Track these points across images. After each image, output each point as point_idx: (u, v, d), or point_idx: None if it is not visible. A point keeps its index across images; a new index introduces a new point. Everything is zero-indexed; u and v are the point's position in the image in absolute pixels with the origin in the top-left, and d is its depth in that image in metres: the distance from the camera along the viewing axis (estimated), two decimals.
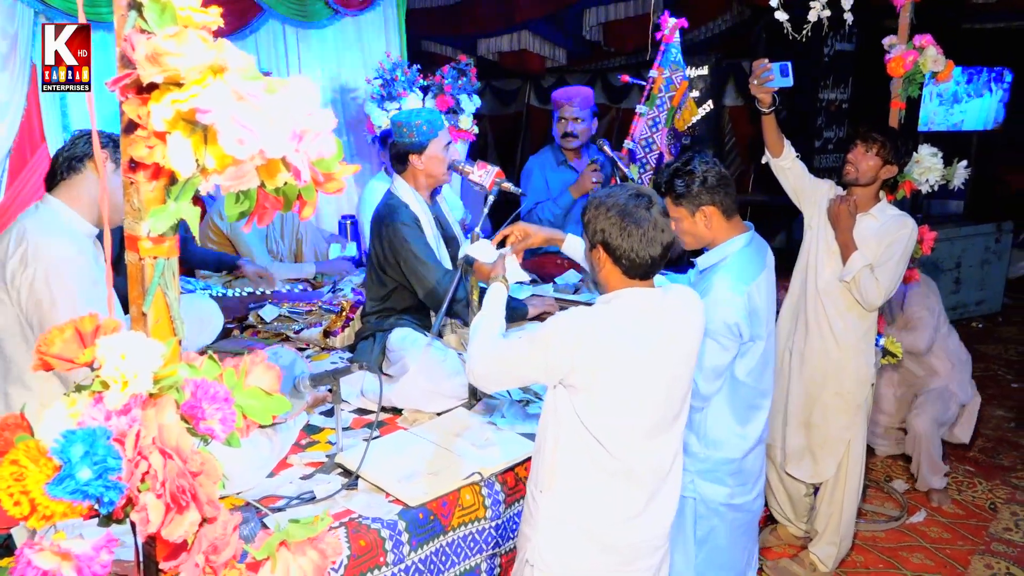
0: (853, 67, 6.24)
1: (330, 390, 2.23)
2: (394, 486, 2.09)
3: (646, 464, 1.90)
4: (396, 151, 2.85)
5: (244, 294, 3.43)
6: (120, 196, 2.00)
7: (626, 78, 3.78)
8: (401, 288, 2.85)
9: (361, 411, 2.65)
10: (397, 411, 2.60)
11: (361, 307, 3.08)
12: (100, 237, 2.11)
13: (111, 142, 2.02)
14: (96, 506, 0.74)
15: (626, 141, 3.73)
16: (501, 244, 2.46)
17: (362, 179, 4.99)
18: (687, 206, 2.38)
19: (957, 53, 3.47)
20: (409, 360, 2.54)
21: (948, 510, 3.90)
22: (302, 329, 3.13)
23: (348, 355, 3.00)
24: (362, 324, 2.97)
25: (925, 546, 3.58)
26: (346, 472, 2.20)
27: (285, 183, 0.90)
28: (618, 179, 3.60)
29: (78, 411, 0.80)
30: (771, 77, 2.93)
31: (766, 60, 2.99)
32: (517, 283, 2.44)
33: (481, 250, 2.40)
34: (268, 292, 3.52)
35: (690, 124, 3.76)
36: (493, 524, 2.22)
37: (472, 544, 2.17)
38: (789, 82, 2.91)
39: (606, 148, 3.58)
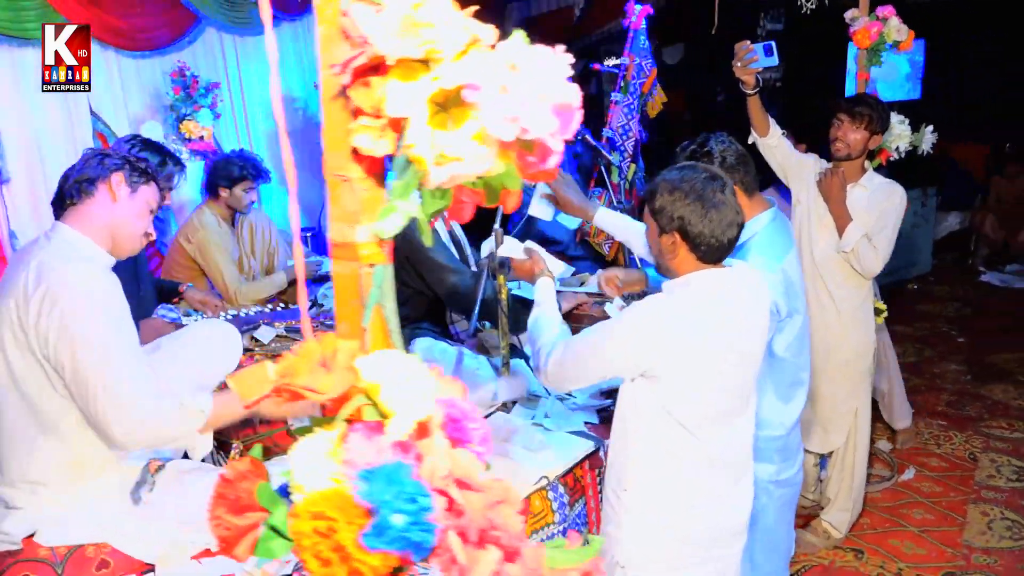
0: (783, 47, 6.40)
1: None
2: None
3: (731, 447, 1.87)
4: None
5: (229, 317, 3.22)
6: (135, 225, 1.85)
7: (597, 66, 3.75)
8: (417, 295, 2.73)
9: None
10: None
11: None
12: (114, 267, 1.92)
13: (126, 163, 1.84)
14: (411, 554, 0.62)
15: (604, 129, 3.70)
16: (523, 238, 2.39)
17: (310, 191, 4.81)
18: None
19: None
20: (441, 370, 2.42)
21: (933, 464, 4.04)
22: None
23: None
24: None
25: (922, 501, 3.69)
26: None
27: (493, 172, 0.80)
28: (601, 167, 3.56)
29: (341, 448, 0.68)
30: (755, 58, 2.95)
31: (748, 42, 3.01)
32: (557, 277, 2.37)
33: (511, 248, 2.32)
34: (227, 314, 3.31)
35: (659, 110, 3.76)
36: (560, 528, 2.14)
37: None
38: (774, 61, 2.93)
39: (588, 138, 3.53)
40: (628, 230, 2.44)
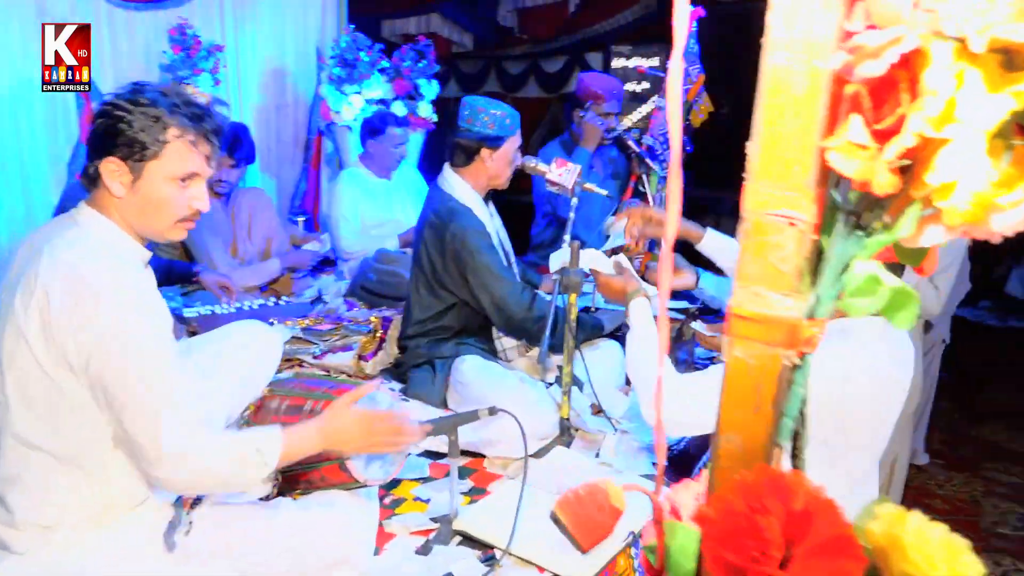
0: None
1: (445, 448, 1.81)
2: (550, 559, 1.72)
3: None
4: (465, 140, 2.42)
5: (234, 310, 2.86)
6: (175, 205, 1.50)
7: (643, 69, 3.51)
8: (461, 305, 2.44)
9: (430, 454, 2.22)
10: (474, 455, 2.20)
11: (391, 326, 2.64)
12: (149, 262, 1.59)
13: (180, 106, 1.49)
14: None
15: (645, 136, 3.46)
16: (613, 251, 2.13)
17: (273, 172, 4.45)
18: None
19: None
20: (497, 399, 2.12)
21: (937, 506, 3.94)
22: (325, 353, 2.63)
23: (392, 384, 2.53)
24: (405, 347, 2.52)
25: None
26: (469, 540, 1.81)
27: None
28: (642, 175, 3.32)
29: None
30: None
31: None
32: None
33: (595, 261, 2.06)
34: (231, 305, 2.96)
35: (705, 119, 3.55)
36: None
37: None
38: None
39: (631, 144, 3.29)
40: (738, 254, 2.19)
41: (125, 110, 1.44)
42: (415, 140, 4.53)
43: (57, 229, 1.47)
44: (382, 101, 4.48)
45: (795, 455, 0.56)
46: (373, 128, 3.74)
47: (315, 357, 2.62)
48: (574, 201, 2.35)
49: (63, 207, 2.43)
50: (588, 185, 2.36)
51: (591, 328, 2.50)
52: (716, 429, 0.57)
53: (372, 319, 2.73)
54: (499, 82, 8.42)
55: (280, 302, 3.17)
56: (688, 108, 3.51)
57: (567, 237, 2.29)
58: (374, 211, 3.75)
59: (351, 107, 4.29)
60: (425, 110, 4.56)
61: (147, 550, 1.51)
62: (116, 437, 1.44)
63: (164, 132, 1.45)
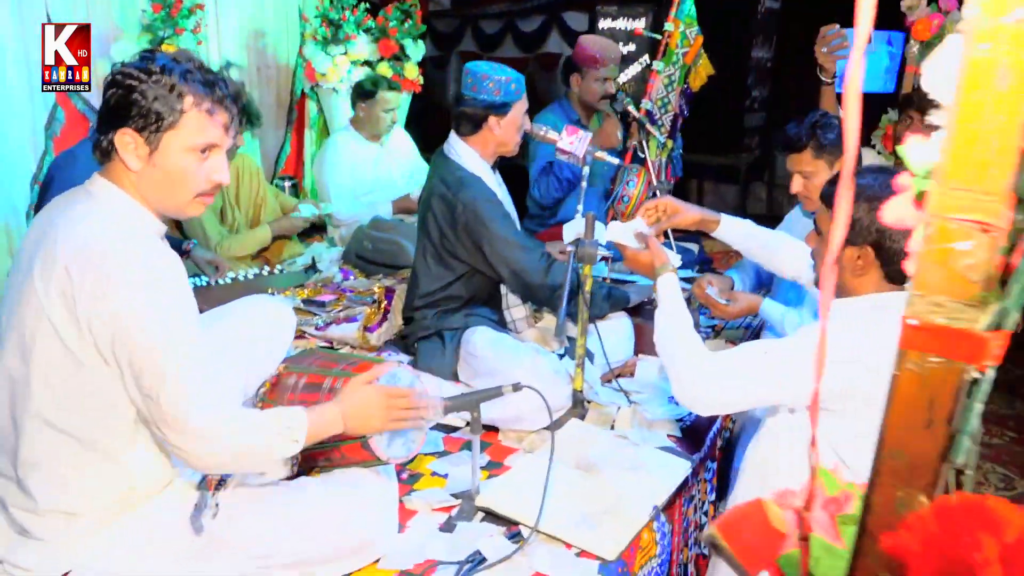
0: (778, 26, 6.24)
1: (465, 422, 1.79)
2: (578, 536, 1.71)
3: None
4: (471, 109, 2.34)
5: (228, 281, 2.78)
6: (194, 178, 1.43)
7: (640, 31, 3.43)
8: (472, 274, 2.39)
9: (442, 427, 2.19)
10: (488, 428, 2.17)
11: (394, 297, 2.58)
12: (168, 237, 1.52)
13: (194, 71, 1.41)
14: None
15: (644, 101, 3.40)
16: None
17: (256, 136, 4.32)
18: (828, 158, 2.25)
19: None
20: (512, 372, 2.09)
21: None
22: (328, 324, 2.57)
23: (399, 356, 2.49)
24: (411, 319, 2.47)
25: None
26: (493, 516, 1.79)
27: None
28: (642, 141, 3.27)
29: None
30: (845, 44, 2.73)
31: (837, 25, 2.78)
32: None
33: (619, 233, 2.02)
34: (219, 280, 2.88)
35: (704, 83, 3.50)
36: (658, 562, 1.90)
37: None
38: (871, 49, 2.71)
39: (631, 109, 3.23)
40: (759, 239, 2.15)
41: (137, 79, 1.36)
42: (402, 103, 4.42)
43: (71, 202, 1.40)
44: (367, 63, 4.36)
45: (959, 473, 0.54)
46: (364, 91, 3.64)
47: (317, 328, 2.56)
48: (585, 170, 2.30)
49: (51, 178, 2.32)
50: (599, 154, 2.31)
51: (616, 301, 2.47)
52: (879, 445, 0.54)
53: (375, 289, 2.67)
54: (475, 41, 8.24)
55: (274, 271, 3.09)
56: (686, 71, 3.45)
57: (580, 207, 2.26)
58: (366, 177, 3.67)
59: (336, 69, 4.17)
60: (411, 72, 4.45)
61: (173, 535, 1.46)
62: (140, 418, 1.39)
63: (180, 101, 1.37)
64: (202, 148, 1.41)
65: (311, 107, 4.58)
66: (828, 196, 1.62)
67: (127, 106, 1.36)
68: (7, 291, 1.42)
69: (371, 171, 3.71)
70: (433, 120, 5.83)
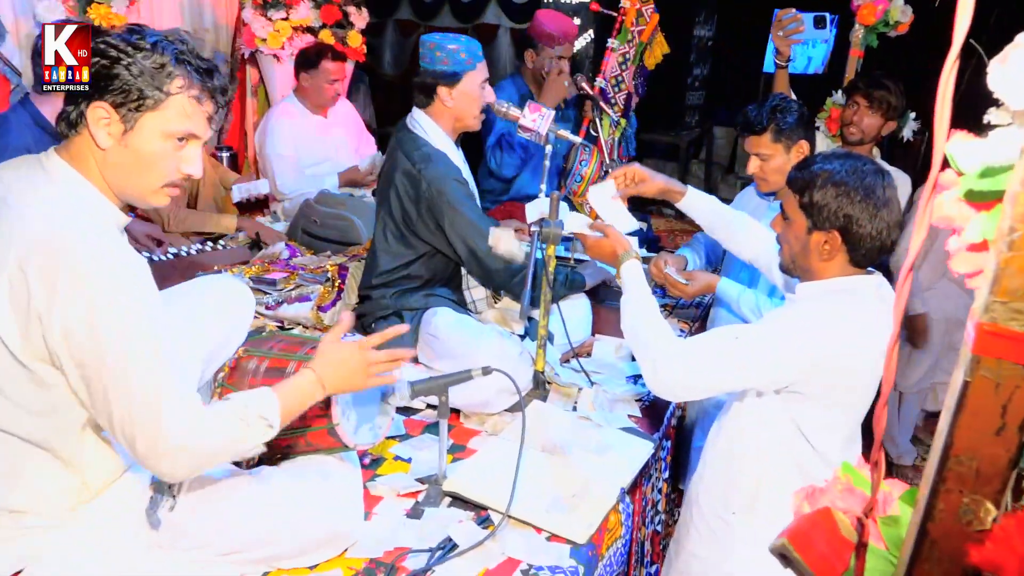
0: (718, 4, 6.29)
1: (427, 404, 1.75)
2: (549, 520, 1.70)
3: None
4: (422, 79, 2.27)
5: (170, 256, 2.64)
6: (165, 166, 1.34)
7: (596, 7, 3.40)
8: (432, 254, 2.33)
9: (401, 409, 2.15)
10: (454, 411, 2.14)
11: (348, 276, 2.51)
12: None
13: (187, 54, 1.32)
14: None
15: (598, 79, 3.37)
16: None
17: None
18: (786, 141, 2.28)
19: None
20: (476, 355, 2.05)
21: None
22: (280, 303, 2.47)
23: (355, 336, 2.41)
24: (367, 297, 2.40)
25: None
26: (460, 501, 1.77)
27: None
28: (595, 119, 3.25)
29: None
30: (800, 29, 2.76)
31: (794, 10, 2.81)
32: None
33: (575, 223, 2.01)
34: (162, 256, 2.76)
35: (660, 61, 3.49)
36: (623, 542, 1.91)
37: (612, 570, 1.85)
38: (824, 35, 2.74)
39: (585, 86, 3.20)
40: (724, 217, 2.16)
41: (124, 52, 1.26)
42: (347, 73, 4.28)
43: (24, 179, 1.28)
44: (309, 29, 4.19)
45: (1018, 483, 0.53)
46: (308, 60, 3.51)
47: (268, 308, 2.46)
48: (548, 148, 2.27)
49: None
50: (561, 132, 2.28)
51: (571, 285, 2.45)
52: (943, 451, 0.53)
53: (328, 267, 2.58)
54: (412, 9, 8.06)
55: (217, 247, 2.97)
56: (642, 49, 3.43)
57: (543, 187, 2.23)
58: (311, 149, 3.55)
59: (277, 35, 4.00)
60: (355, 40, 4.30)
61: (129, 530, 1.39)
62: (92, 424, 1.31)
63: (168, 82, 1.28)
64: (181, 136, 1.32)
65: (252, 74, 4.39)
66: (795, 181, 1.63)
67: (108, 78, 1.25)
68: None
69: (316, 143, 3.59)
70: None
